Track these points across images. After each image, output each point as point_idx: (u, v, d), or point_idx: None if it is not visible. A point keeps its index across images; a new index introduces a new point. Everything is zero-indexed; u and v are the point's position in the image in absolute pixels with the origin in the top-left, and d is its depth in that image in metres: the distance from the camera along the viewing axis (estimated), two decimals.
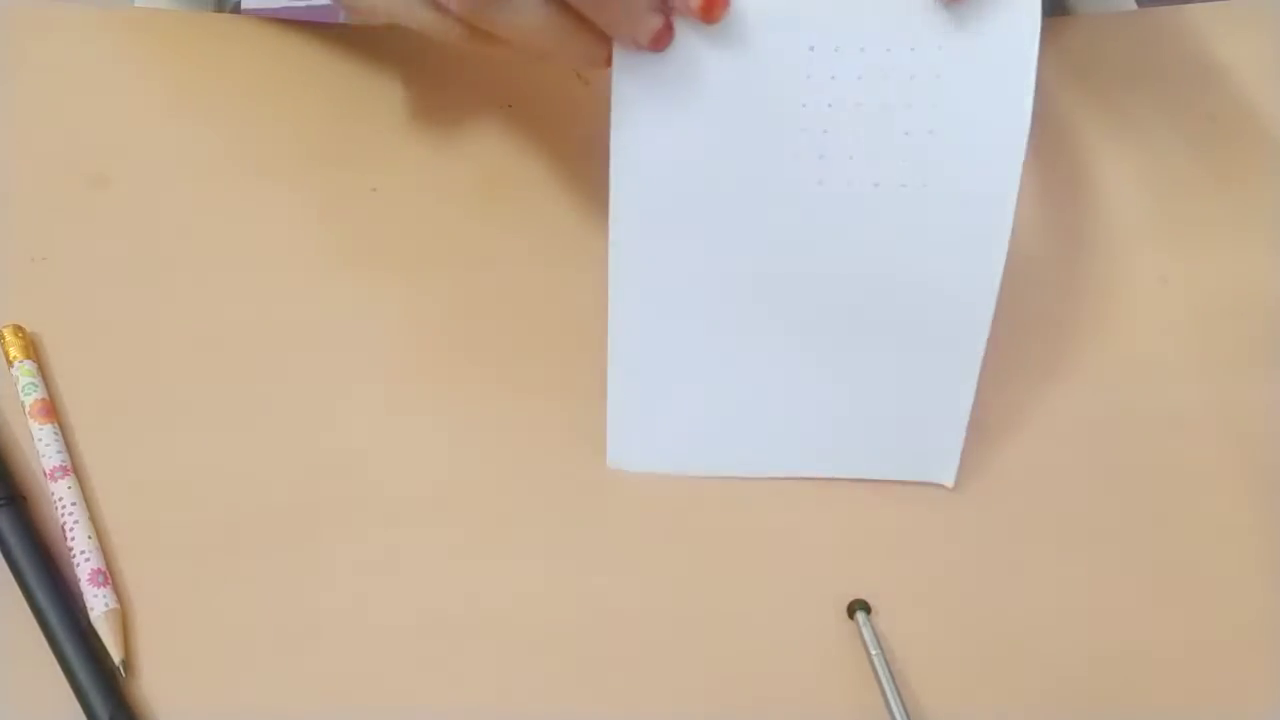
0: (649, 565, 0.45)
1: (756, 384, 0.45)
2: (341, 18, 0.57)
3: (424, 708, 0.41)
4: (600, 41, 0.38)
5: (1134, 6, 0.70)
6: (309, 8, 0.60)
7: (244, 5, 0.76)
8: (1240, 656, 0.45)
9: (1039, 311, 0.52)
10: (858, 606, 0.44)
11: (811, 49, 0.39)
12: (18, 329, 0.46)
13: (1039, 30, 0.38)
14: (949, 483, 0.46)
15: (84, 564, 0.42)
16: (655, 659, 0.43)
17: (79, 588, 0.42)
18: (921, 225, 0.41)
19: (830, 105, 0.39)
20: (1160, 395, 0.50)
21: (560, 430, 0.47)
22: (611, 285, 0.43)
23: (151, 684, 0.41)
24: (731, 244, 0.42)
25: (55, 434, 0.44)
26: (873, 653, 0.43)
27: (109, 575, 0.42)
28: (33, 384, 0.45)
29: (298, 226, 0.51)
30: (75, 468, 0.44)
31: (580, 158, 0.53)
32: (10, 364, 0.46)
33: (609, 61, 0.39)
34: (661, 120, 0.40)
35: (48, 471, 0.43)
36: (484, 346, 0.49)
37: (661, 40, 0.37)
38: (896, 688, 0.42)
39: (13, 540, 0.42)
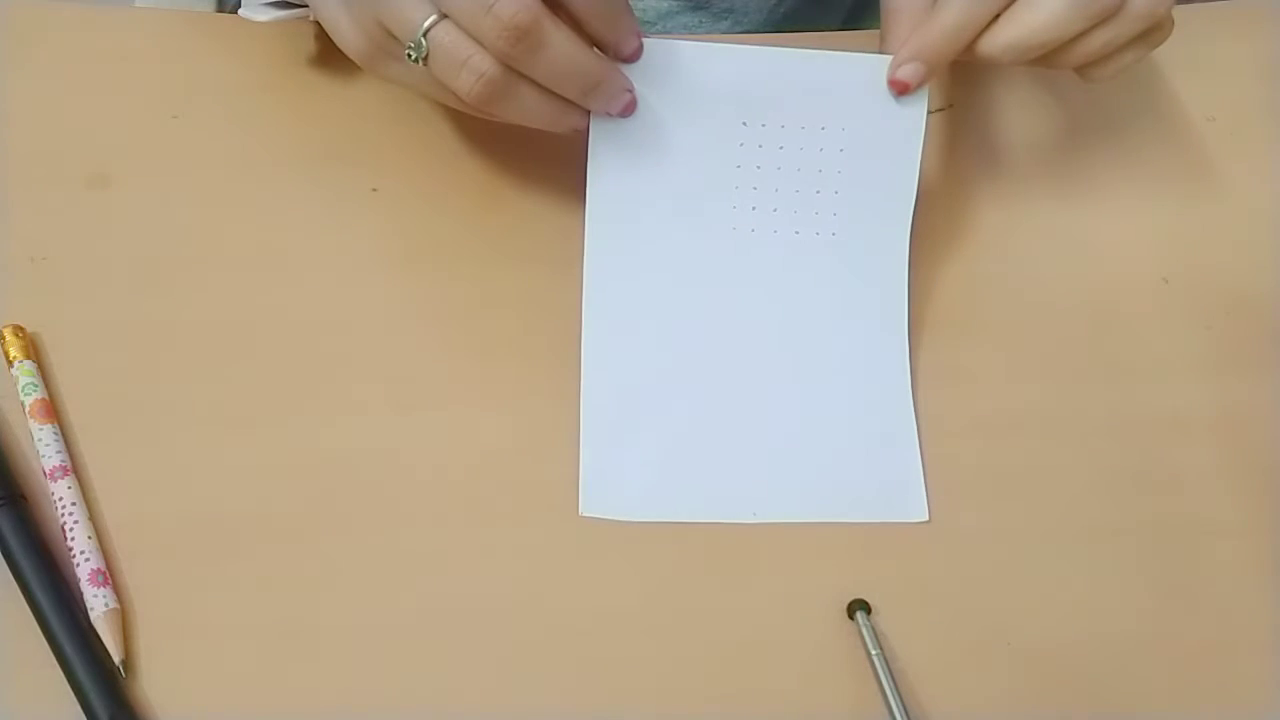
0: (649, 565, 0.45)
1: (716, 429, 0.48)
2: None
3: (424, 708, 0.41)
4: (583, 114, 0.47)
5: None
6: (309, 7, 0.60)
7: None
8: (1240, 656, 0.45)
9: (1039, 311, 0.52)
10: (858, 606, 0.44)
11: (744, 124, 0.48)
12: (18, 329, 0.46)
13: (924, 120, 0.48)
14: (923, 518, 0.46)
15: (84, 564, 0.42)
16: (655, 659, 0.43)
17: (79, 588, 0.42)
18: (834, 267, 0.50)
19: (759, 167, 0.49)
20: (1160, 395, 0.50)
21: (560, 430, 0.47)
22: (585, 339, 0.48)
23: (151, 684, 0.41)
24: (686, 282, 0.49)
25: (55, 434, 0.44)
26: (873, 653, 0.43)
27: (109, 575, 0.42)
28: (33, 384, 0.45)
29: (298, 226, 0.51)
30: (75, 468, 0.44)
31: (579, 158, 0.53)
32: (10, 364, 0.46)
33: (584, 127, 0.47)
34: (629, 173, 0.48)
35: (48, 471, 0.43)
36: (484, 346, 0.49)
37: (629, 109, 0.47)
38: (896, 688, 0.42)
39: (13, 540, 0.42)
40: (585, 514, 0.45)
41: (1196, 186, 0.57)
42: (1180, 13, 0.50)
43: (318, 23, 0.56)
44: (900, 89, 0.47)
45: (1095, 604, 0.45)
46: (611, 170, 0.48)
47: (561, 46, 0.43)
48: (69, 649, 0.40)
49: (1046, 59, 0.48)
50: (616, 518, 0.45)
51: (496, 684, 0.42)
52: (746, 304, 0.49)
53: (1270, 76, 0.62)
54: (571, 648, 0.43)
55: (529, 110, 0.45)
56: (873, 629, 0.43)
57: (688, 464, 0.47)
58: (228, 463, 0.45)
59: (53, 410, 0.45)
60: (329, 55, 0.55)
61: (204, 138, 0.53)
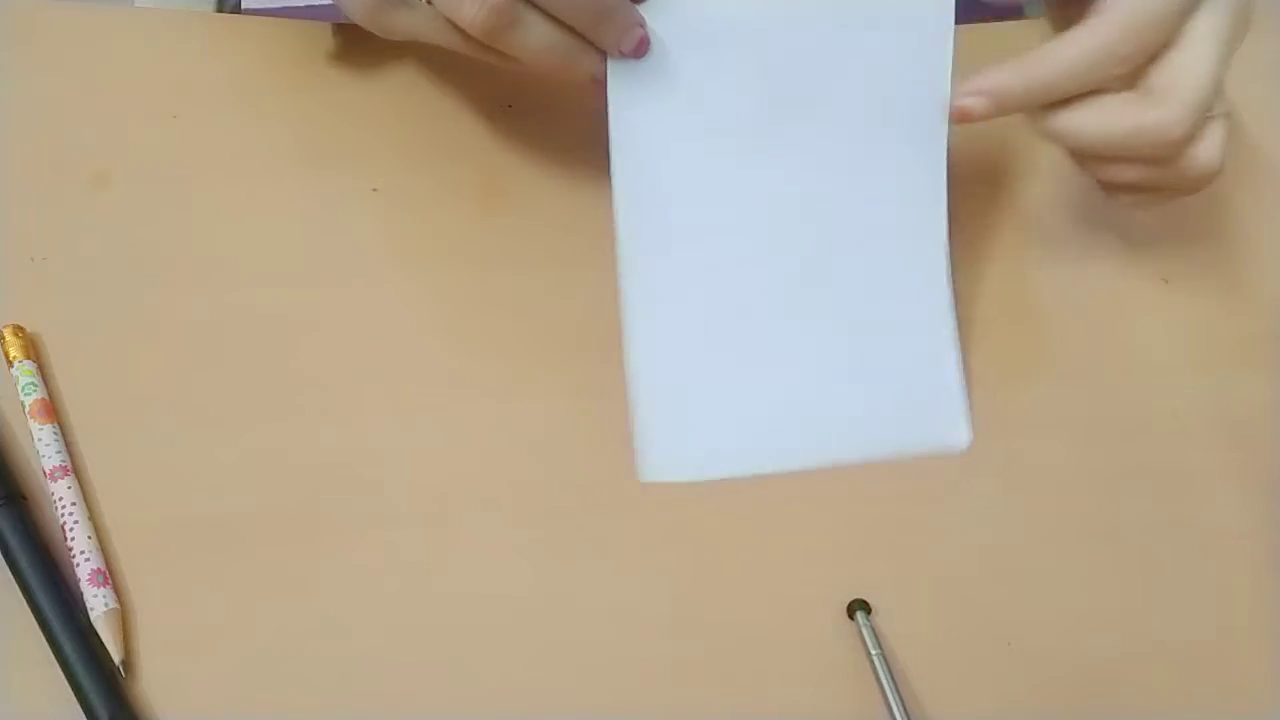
0: (649, 565, 0.45)
1: (766, 372, 0.47)
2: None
3: (424, 708, 0.41)
4: (595, 56, 0.45)
5: None
6: (309, 8, 0.60)
7: (244, 5, 0.76)
8: (1240, 656, 0.45)
9: (1039, 311, 0.52)
10: (858, 606, 0.44)
11: (765, 48, 0.46)
12: (18, 329, 0.46)
13: (952, 31, 0.46)
14: (964, 442, 0.47)
15: (84, 564, 0.42)
16: (655, 659, 0.43)
17: (79, 588, 0.42)
18: (868, 183, 0.47)
19: (783, 90, 0.47)
20: (1160, 395, 0.50)
21: (560, 430, 0.47)
22: (624, 294, 0.47)
23: (151, 684, 0.41)
24: (720, 211, 0.47)
25: (55, 434, 0.44)
26: (873, 653, 0.43)
27: (109, 575, 0.42)
28: (33, 384, 0.45)
29: (298, 226, 0.51)
30: (75, 468, 0.44)
31: (580, 157, 0.53)
32: (10, 364, 0.46)
33: (601, 76, 0.46)
34: (651, 110, 0.46)
35: (48, 471, 0.43)
36: (485, 346, 0.49)
37: (642, 48, 0.45)
38: (896, 688, 0.42)
39: (13, 540, 0.42)
40: (647, 480, 0.45)
41: None
42: None
43: (318, 23, 0.56)
44: (959, 116, 0.46)
45: (1095, 604, 0.45)
46: (633, 111, 0.46)
47: None
48: (69, 649, 0.40)
49: (1079, 160, 0.48)
50: (679, 479, 0.45)
51: (496, 684, 0.42)
52: (782, 233, 0.48)
53: (1270, 76, 0.62)
54: (571, 648, 0.43)
55: (538, 43, 0.43)
56: (873, 629, 0.43)
57: (741, 412, 0.47)
58: (228, 463, 0.45)
59: (53, 410, 0.45)
60: (329, 55, 0.55)
61: (204, 138, 0.53)
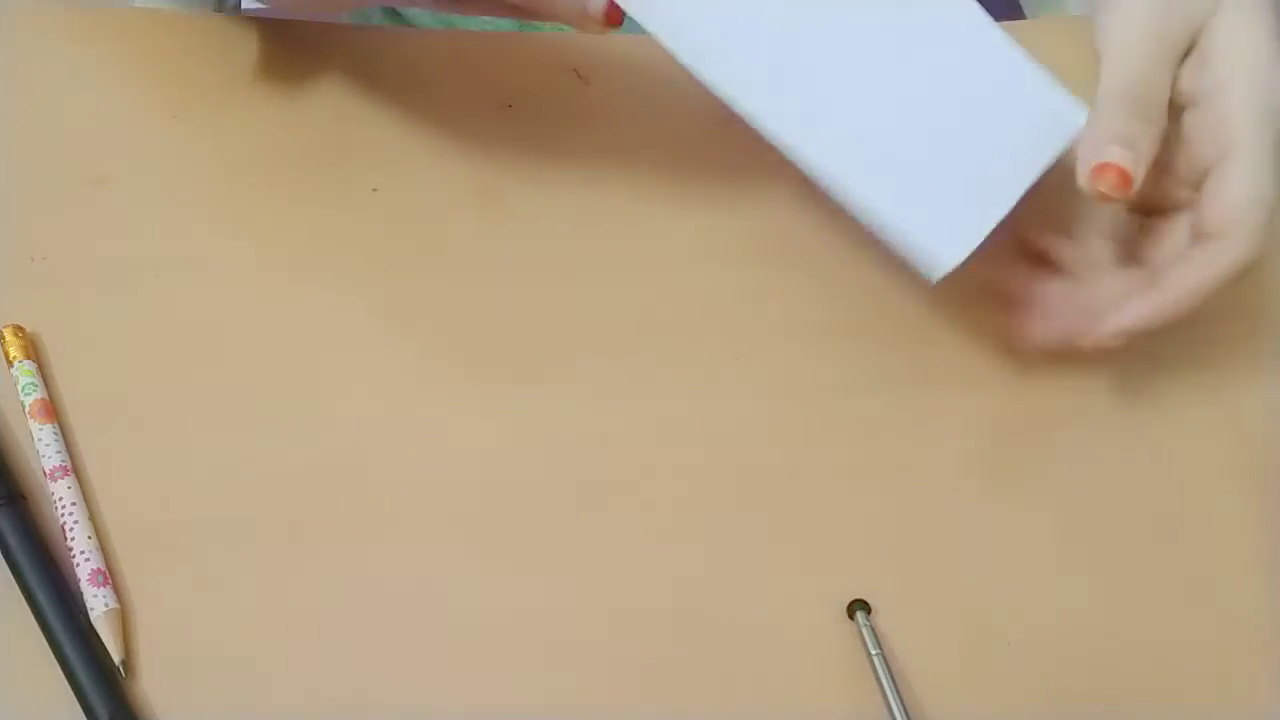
0: (649, 565, 0.45)
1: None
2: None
3: (424, 708, 0.42)
4: None
5: None
6: None
7: (244, 5, 0.76)
8: (1240, 656, 0.45)
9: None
10: (858, 606, 0.44)
11: None
12: (18, 329, 0.46)
13: None
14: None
15: (84, 564, 0.42)
16: (656, 659, 0.43)
17: (79, 587, 0.42)
18: None
19: None
20: (1160, 395, 0.50)
21: (560, 430, 0.47)
22: (787, 147, 0.46)
23: (151, 684, 0.41)
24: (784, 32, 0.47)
25: (55, 434, 0.44)
26: (873, 653, 0.43)
27: (109, 575, 0.42)
28: (33, 384, 0.45)
29: (298, 226, 0.51)
30: (75, 468, 0.44)
31: (580, 158, 0.53)
32: (10, 364, 0.46)
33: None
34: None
35: (48, 471, 0.43)
36: (484, 346, 0.49)
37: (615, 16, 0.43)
38: (896, 688, 0.42)
39: (13, 540, 0.42)
40: (948, 268, 0.44)
41: None
42: None
43: (318, 23, 0.56)
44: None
45: (1095, 604, 0.45)
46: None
47: None
48: (69, 649, 0.40)
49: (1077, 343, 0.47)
50: (968, 251, 0.44)
51: (495, 684, 0.42)
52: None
53: None
54: (571, 647, 0.43)
55: None
56: (873, 629, 0.43)
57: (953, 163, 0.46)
58: (227, 463, 0.45)
59: (53, 410, 0.45)
60: (329, 55, 0.55)
61: (204, 138, 0.53)
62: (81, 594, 0.42)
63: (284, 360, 0.48)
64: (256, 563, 0.43)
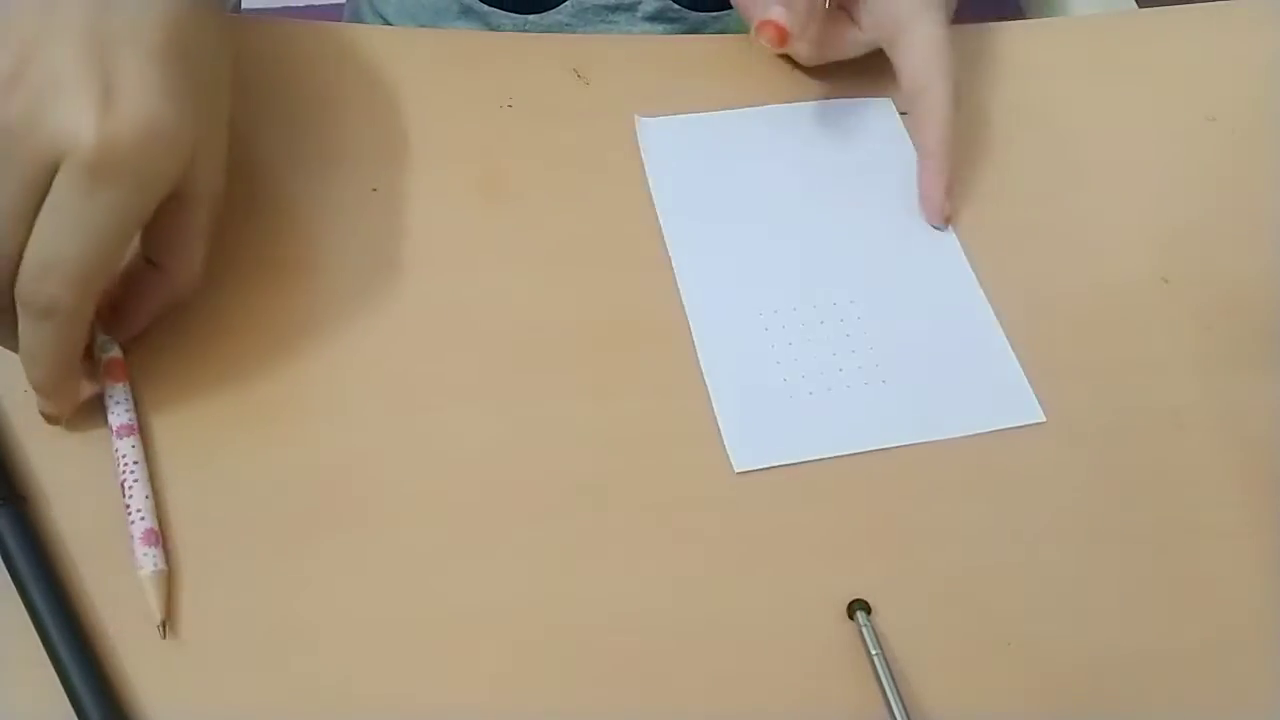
0: (649, 565, 0.45)
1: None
2: None
3: (424, 708, 0.41)
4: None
5: (1134, 6, 0.70)
6: (309, 8, 0.60)
7: (244, 5, 0.76)
8: (1240, 656, 0.45)
9: (1039, 311, 0.52)
10: (858, 606, 0.44)
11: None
12: None
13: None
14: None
15: (139, 522, 0.42)
16: (655, 659, 0.43)
17: (78, 588, 0.42)
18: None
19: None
20: (1160, 395, 0.50)
21: (560, 430, 0.47)
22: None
23: (151, 684, 0.41)
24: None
25: (126, 393, 0.45)
26: (873, 653, 0.43)
27: (160, 535, 0.43)
28: (108, 341, 0.46)
29: (298, 226, 0.51)
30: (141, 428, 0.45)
31: (580, 157, 0.53)
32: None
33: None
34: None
35: (115, 428, 0.44)
36: (483, 346, 0.49)
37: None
38: (896, 688, 0.42)
39: (11, 541, 0.42)
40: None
41: (1196, 186, 0.57)
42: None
43: (318, 23, 0.56)
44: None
45: (1095, 604, 0.45)
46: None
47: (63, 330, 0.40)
48: (63, 651, 0.40)
49: None
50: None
51: (496, 684, 0.42)
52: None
53: (1270, 76, 0.62)
54: (570, 647, 0.43)
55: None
56: (873, 629, 0.43)
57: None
58: (226, 463, 0.45)
59: (125, 370, 0.46)
60: (329, 55, 0.55)
61: None
62: (80, 594, 0.42)
63: (283, 360, 0.48)
64: (256, 562, 0.43)
